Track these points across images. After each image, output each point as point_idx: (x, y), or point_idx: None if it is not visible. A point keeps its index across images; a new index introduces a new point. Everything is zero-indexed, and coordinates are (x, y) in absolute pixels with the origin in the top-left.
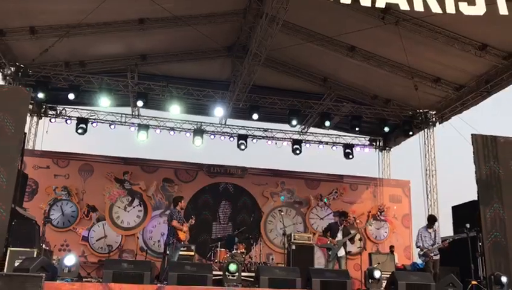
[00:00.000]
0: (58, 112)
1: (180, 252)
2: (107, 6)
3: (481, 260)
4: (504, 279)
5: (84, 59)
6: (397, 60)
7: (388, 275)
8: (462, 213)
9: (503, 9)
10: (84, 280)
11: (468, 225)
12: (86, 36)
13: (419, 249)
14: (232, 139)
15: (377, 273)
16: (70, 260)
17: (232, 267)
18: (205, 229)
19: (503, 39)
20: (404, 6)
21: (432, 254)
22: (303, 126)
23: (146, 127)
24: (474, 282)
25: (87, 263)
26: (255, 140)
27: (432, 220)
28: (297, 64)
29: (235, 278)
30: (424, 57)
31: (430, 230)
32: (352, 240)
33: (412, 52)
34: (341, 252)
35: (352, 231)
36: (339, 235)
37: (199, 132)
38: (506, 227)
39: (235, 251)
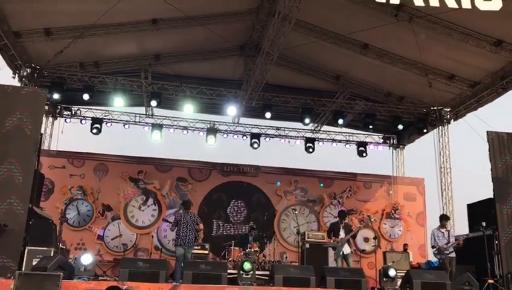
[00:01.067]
0: (73, 113)
1: (195, 251)
2: (120, 7)
3: (498, 258)
4: None
5: (99, 60)
6: (411, 57)
7: (403, 274)
8: (477, 211)
9: None
10: (100, 278)
11: (484, 223)
12: (100, 37)
13: (434, 249)
14: (245, 138)
15: (391, 272)
16: (87, 258)
17: (247, 265)
18: (219, 228)
19: None
20: (418, 2)
21: (447, 252)
22: (316, 124)
23: (160, 126)
24: (490, 281)
25: (103, 261)
26: (268, 139)
27: (443, 219)
28: (310, 62)
29: (249, 276)
30: (438, 54)
31: (443, 230)
32: (355, 237)
33: (426, 49)
34: (346, 250)
35: (354, 228)
36: (342, 234)
37: (212, 131)
38: None
39: (249, 249)
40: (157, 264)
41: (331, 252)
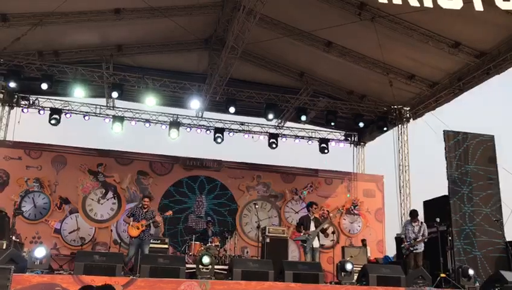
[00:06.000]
0: (31, 102)
1: (154, 245)
2: None
3: (450, 253)
4: (471, 272)
5: (58, 49)
6: (373, 56)
7: (360, 268)
8: (433, 208)
9: (478, 6)
10: (56, 272)
11: (438, 219)
12: (60, 25)
13: (404, 244)
14: (208, 132)
15: (348, 266)
16: (40, 252)
17: (206, 259)
18: (180, 223)
19: (476, 38)
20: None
21: (412, 248)
22: (279, 120)
23: (121, 118)
24: (442, 275)
25: (60, 255)
26: (231, 133)
27: (413, 214)
28: (275, 58)
29: (208, 270)
30: (399, 54)
31: (414, 224)
32: (324, 232)
33: (388, 49)
34: (315, 244)
35: (324, 222)
36: (312, 227)
37: (175, 124)
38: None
39: (209, 243)
40: (114, 258)
41: (291, 246)
